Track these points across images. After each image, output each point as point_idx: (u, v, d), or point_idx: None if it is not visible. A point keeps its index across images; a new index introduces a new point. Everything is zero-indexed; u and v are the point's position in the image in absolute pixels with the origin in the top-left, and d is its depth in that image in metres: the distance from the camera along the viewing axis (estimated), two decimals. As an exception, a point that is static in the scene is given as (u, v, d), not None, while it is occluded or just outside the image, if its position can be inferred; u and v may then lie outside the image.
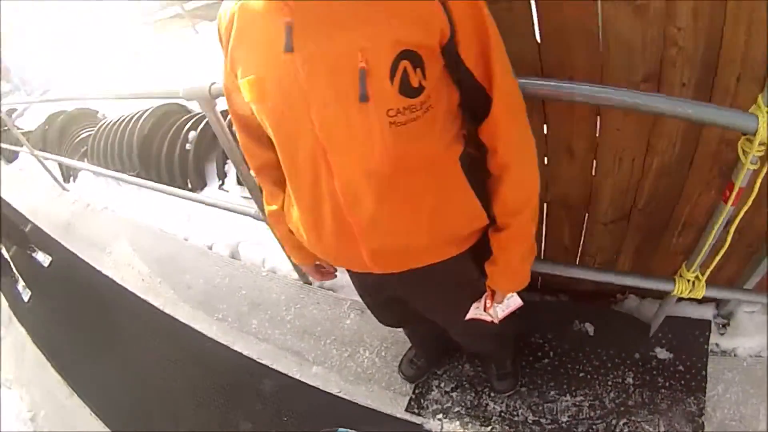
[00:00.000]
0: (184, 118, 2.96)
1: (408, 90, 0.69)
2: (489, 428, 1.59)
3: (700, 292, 1.36)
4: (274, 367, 1.92)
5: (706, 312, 1.68)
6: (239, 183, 2.49)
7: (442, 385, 1.71)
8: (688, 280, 1.35)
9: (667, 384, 1.57)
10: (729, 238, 1.17)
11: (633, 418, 1.53)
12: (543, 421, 1.58)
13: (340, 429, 1.43)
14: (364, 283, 1.15)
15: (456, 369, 1.74)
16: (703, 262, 1.27)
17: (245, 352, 2.00)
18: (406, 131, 0.73)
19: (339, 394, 1.76)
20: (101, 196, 3.31)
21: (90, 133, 3.60)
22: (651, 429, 1.50)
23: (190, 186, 2.75)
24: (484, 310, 1.09)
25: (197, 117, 2.86)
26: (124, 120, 3.22)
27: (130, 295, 2.48)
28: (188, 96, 1.47)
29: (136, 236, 2.85)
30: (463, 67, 0.73)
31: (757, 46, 0.91)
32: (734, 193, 1.03)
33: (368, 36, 0.67)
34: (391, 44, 0.67)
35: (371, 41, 0.67)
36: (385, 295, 1.13)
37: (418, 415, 1.66)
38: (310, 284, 2.14)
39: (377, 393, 1.74)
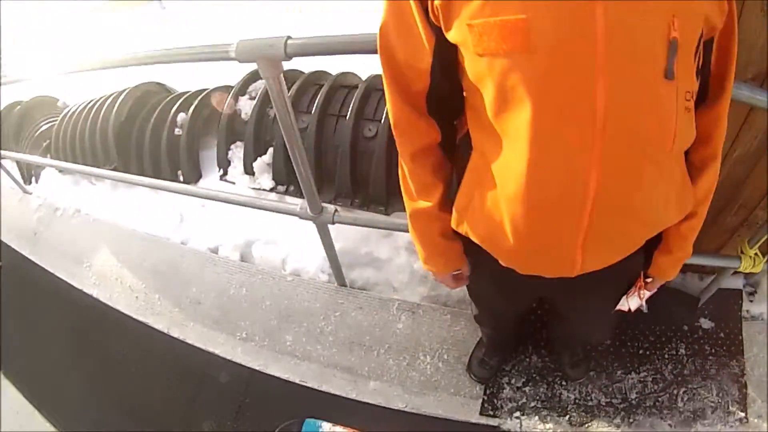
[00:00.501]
0: (169, 98, 2.56)
1: (698, 73, 0.65)
2: (567, 417, 1.66)
3: (759, 267, 1.51)
4: (323, 389, 1.77)
5: (737, 282, 1.86)
6: (247, 172, 2.22)
7: (513, 381, 1.74)
8: (750, 257, 1.49)
9: (713, 351, 1.75)
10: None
11: (690, 386, 1.70)
12: (615, 401, 1.69)
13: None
14: (518, 284, 0.92)
15: (523, 363, 1.77)
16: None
17: (284, 376, 1.82)
18: (689, 119, 0.69)
19: (405, 409, 1.69)
20: (71, 197, 2.79)
21: (52, 123, 3.00)
22: (706, 394, 1.68)
23: (182, 179, 2.40)
24: (638, 298, 1.06)
25: (186, 96, 2.48)
26: (93, 106, 2.71)
27: (123, 318, 2.14)
28: (245, 56, 1.14)
29: (119, 244, 2.44)
30: (709, 57, 0.70)
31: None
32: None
33: (685, 2, 0.58)
34: (702, 18, 0.60)
35: (687, 9, 0.58)
36: (531, 297, 1.10)
37: (494, 416, 1.68)
38: (345, 286, 2.02)
39: (447, 401, 1.72)
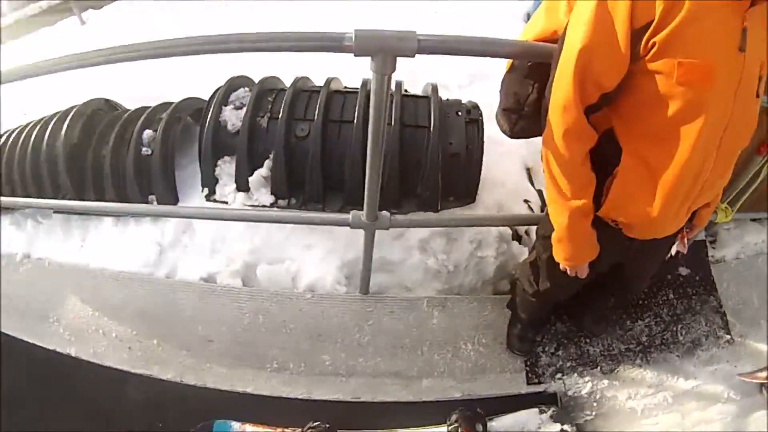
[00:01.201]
0: (126, 115, 2.22)
1: None
2: (598, 368, 1.95)
3: (730, 217, 1.93)
4: (378, 399, 1.81)
5: (701, 234, 2.29)
6: (241, 189, 2.06)
7: (546, 349, 1.97)
8: (723, 210, 1.89)
9: (694, 291, 2.17)
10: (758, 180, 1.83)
11: (684, 322, 2.09)
12: (632, 347, 2.01)
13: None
14: (615, 252, 1.30)
15: (551, 331, 2.00)
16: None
17: (334, 397, 1.81)
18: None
19: (463, 397, 1.82)
20: (15, 242, 2.31)
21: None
22: (697, 326, 2.08)
23: (155, 203, 2.14)
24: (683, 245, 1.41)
25: (149, 112, 2.18)
26: (32, 130, 2.23)
27: (118, 374, 1.89)
28: (365, 49, 1.06)
29: (89, 289, 2.08)
30: None
31: None
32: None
33: (765, 54, 0.96)
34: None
35: (765, 58, 0.97)
36: (614, 258, 1.34)
37: (539, 383, 1.90)
38: (368, 293, 2.05)
39: (496, 380, 1.88)
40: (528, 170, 2.29)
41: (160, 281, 2.09)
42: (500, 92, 1.38)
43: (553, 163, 1.05)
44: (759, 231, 2.52)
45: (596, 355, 1.98)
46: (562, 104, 0.96)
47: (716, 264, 2.28)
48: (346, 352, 1.92)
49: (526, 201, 2.17)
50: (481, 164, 1.98)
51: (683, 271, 2.21)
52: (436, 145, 1.92)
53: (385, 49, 1.06)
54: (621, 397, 1.91)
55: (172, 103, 2.23)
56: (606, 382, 1.93)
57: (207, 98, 2.12)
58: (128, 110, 2.31)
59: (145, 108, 2.25)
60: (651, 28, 0.86)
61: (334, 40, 1.07)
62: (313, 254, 2.07)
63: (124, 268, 2.11)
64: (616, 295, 1.81)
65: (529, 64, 1.22)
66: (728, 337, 2.08)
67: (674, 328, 2.08)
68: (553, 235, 1.18)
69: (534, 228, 1.99)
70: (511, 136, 1.41)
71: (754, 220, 2.48)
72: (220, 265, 2.08)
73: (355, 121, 1.91)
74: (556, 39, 1.08)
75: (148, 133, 2.11)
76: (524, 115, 1.34)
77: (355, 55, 1.06)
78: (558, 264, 1.32)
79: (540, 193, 2.22)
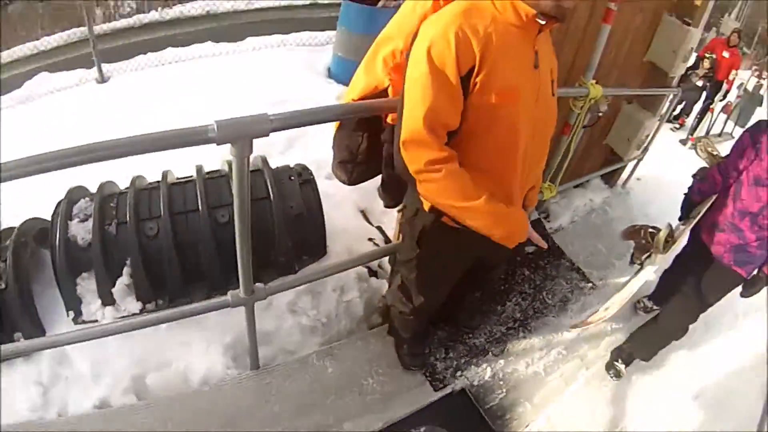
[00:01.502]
0: None
1: None
2: (489, 354, 2.23)
3: (554, 192, 2.41)
4: None
5: (535, 214, 2.77)
6: (106, 303, 2.08)
7: (438, 356, 2.23)
8: (547, 188, 2.36)
9: (547, 261, 2.61)
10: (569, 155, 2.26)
11: (548, 288, 2.49)
12: (511, 324, 2.35)
13: None
14: (474, 244, 1.45)
15: (435, 341, 2.27)
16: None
17: None
18: None
19: (387, 424, 1.99)
20: None
21: None
22: (560, 287, 2.48)
23: (20, 340, 2.08)
24: None
25: None
26: None
27: None
28: (227, 137, 1.20)
29: None
30: None
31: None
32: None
33: (553, 63, 1.39)
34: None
35: (553, 66, 1.40)
36: (473, 258, 1.64)
37: (445, 386, 2.13)
38: (259, 367, 2.16)
39: (407, 398, 2.08)
40: (362, 212, 2.68)
41: (54, 422, 2.04)
42: (333, 148, 1.72)
43: (440, 188, 1.27)
44: (583, 194, 3.09)
45: (483, 344, 2.27)
46: (419, 145, 1.22)
47: (556, 233, 2.75)
48: (262, 425, 2.00)
49: (370, 239, 2.51)
50: (323, 218, 2.28)
51: (530, 248, 2.63)
52: (280, 212, 2.18)
53: (244, 134, 1.23)
54: (521, 368, 2.23)
55: (13, 228, 2.25)
56: (502, 361, 2.24)
57: (46, 216, 2.18)
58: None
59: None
60: (474, 72, 1.18)
61: (198, 134, 1.21)
62: (194, 349, 2.16)
63: (11, 419, 2.04)
64: (481, 287, 2.14)
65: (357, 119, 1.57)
66: (590, 284, 2.50)
67: (541, 296, 2.46)
68: (496, 234, 1.36)
69: (386, 259, 2.30)
70: (350, 184, 1.76)
71: (576, 186, 3.03)
72: (109, 387, 2.07)
73: (200, 208, 2.11)
74: (378, 93, 1.48)
75: (-4, 267, 2.11)
76: (359, 163, 1.69)
77: (217, 144, 1.21)
78: (426, 278, 1.60)
79: (379, 228, 2.56)
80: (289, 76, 4.18)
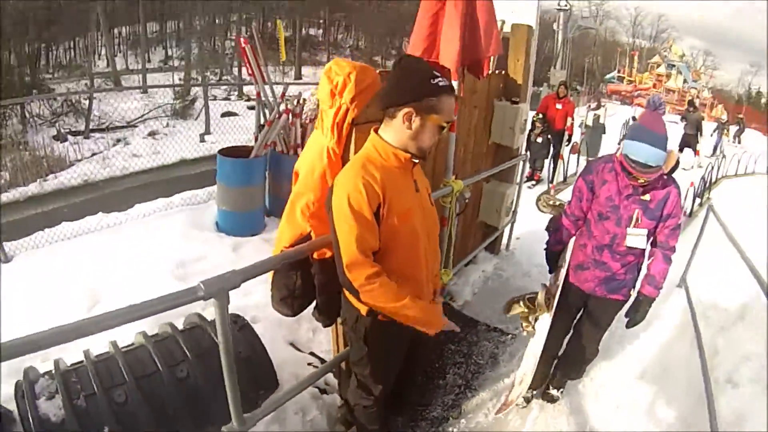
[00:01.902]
0: None
1: None
2: (449, 420, 2.75)
3: (449, 276, 3.06)
4: None
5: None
6: None
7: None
8: (445, 273, 3.01)
9: (465, 333, 3.26)
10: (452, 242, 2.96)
11: (477, 351, 3.15)
12: (457, 391, 2.93)
13: None
14: (407, 329, 1.92)
15: (399, 428, 2.70)
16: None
17: None
18: None
19: None
20: None
21: None
22: (487, 347, 3.12)
23: None
24: None
25: None
26: None
27: None
28: (211, 293, 1.62)
29: None
30: None
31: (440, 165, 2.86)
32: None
33: (426, 183, 1.95)
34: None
35: (426, 184, 1.96)
36: (408, 338, 2.15)
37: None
38: None
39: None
40: (291, 344, 3.19)
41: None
42: (271, 290, 2.27)
43: (378, 295, 1.75)
44: (475, 268, 3.89)
45: (440, 413, 2.81)
46: (358, 266, 1.72)
47: (464, 307, 3.42)
48: None
49: (309, 363, 3.00)
50: (267, 354, 2.68)
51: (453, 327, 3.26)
52: (231, 358, 2.55)
53: (224, 287, 1.67)
54: (481, 419, 2.76)
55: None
56: (463, 421, 2.76)
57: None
58: None
59: None
60: (380, 207, 1.69)
61: (189, 294, 1.61)
62: None
63: None
64: (420, 364, 2.66)
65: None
66: (510, 335, 3.15)
67: (473, 360, 3.11)
68: (420, 324, 1.87)
69: (329, 375, 2.74)
70: (293, 315, 2.30)
71: (467, 264, 3.79)
72: None
73: (160, 368, 2.38)
74: (303, 239, 2.12)
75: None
76: (297, 297, 2.27)
77: (204, 300, 1.63)
78: (379, 368, 2.13)
79: (312, 353, 3.10)
80: (182, 236, 4.62)
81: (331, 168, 2.09)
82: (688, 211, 5.45)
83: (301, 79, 31.05)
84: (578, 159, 9.19)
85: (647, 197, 2.36)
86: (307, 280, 2.24)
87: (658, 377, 3.00)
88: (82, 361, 2.52)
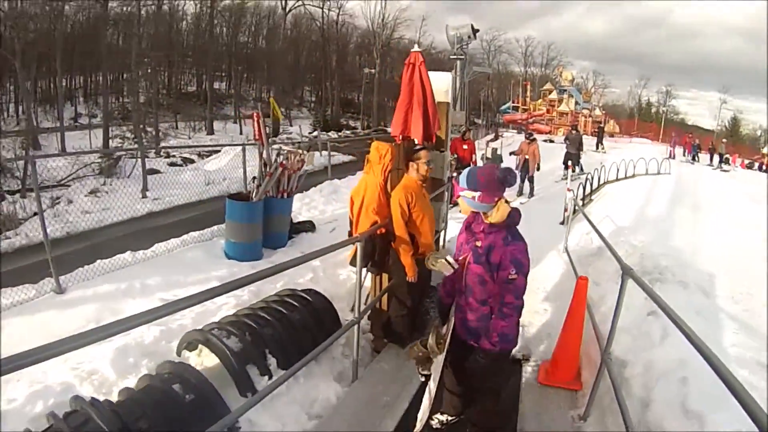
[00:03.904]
0: None
1: None
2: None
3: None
4: None
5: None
6: None
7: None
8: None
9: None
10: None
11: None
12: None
13: None
14: (421, 273, 4.52)
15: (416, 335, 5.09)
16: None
17: None
18: None
19: None
20: None
21: None
22: None
23: None
24: None
25: None
26: None
27: None
28: None
29: None
30: None
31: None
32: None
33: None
34: None
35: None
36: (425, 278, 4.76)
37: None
38: None
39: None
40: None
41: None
42: (350, 257, 4.85)
43: (408, 258, 4.28)
44: None
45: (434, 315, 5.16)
46: (402, 241, 4.24)
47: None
48: None
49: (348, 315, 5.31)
50: (335, 308, 4.91)
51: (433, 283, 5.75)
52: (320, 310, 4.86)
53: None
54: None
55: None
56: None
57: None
58: None
59: None
60: (410, 205, 4.18)
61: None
62: None
63: None
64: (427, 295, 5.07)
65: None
66: None
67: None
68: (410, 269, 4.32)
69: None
70: (366, 267, 4.60)
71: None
72: None
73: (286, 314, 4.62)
74: (372, 226, 4.46)
75: None
76: (372, 257, 4.66)
77: None
78: (411, 290, 4.53)
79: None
80: (201, 264, 6.80)
81: (381, 191, 4.55)
82: (572, 210, 8.34)
83: (213, 133, 33.69)
84: None
85: (478, 243, 2.85)
86: (375, 248, 4.57)
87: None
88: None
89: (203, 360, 3.80)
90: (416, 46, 5.17)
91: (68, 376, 3.94)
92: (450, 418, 3.48)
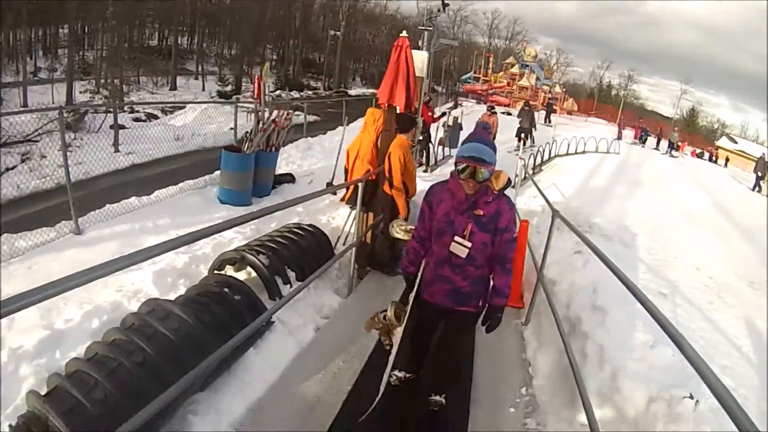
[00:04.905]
0: None
1: None
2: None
3: None
4: None
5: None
6: None
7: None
8: None
9: None
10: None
11: None
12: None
13: None
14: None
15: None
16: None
17: None
18: None
19: None
20: None
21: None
22: None
23: None
24: None
25: None
26: None
27: None
28: None
29: None
30: None
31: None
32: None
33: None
34: None
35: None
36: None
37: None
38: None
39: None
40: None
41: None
42: (360, 198, 5.97)
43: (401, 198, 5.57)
44: None
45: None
46: (399, 189, 5.52)
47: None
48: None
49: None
50: (329, 239, 6.14)
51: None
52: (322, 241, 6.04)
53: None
54: None
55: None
56: None
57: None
58: None
59: None
60: (405, 158, 5.45)
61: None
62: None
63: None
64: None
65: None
66: None
67: None
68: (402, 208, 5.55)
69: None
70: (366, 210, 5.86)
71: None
72: None
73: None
74: (366, 174, 5.69)
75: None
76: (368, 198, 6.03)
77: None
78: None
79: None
80: (201, 208, 7.84)
81: (374, 146, 5.76)
82: (522, 176, 9.79)
83: (176, 89, 33.77)
84: (443, 149, 14.07)
85: (480, 212, 2.80)
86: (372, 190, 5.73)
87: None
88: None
89: (235, 275, 4.63)
90: (404, 32, 6.29)
91: (115, 296, 4.62)
92: (408, 375, 3.60)
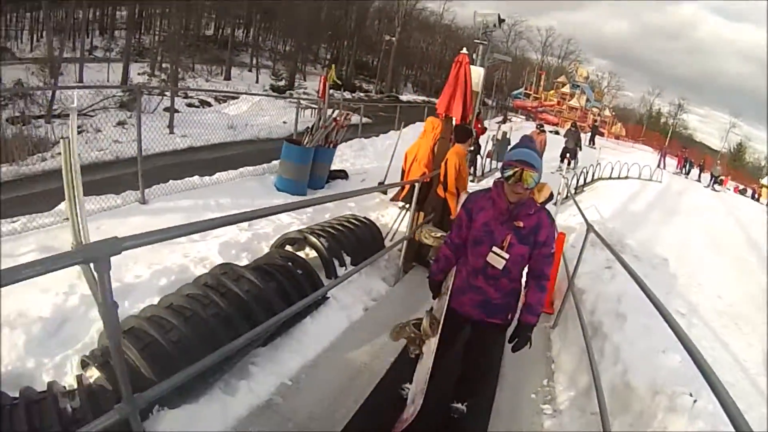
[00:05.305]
0: None
1: None
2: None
3: None
4: None
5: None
6: None
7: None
8: None
9: None
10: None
11: None
12: None
13: None
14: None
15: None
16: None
17: None
18: None
19: None
20: None
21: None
22: None
23: None
24: None
25: None
26: None
27: None
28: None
29: None
30: None
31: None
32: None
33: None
34: None
35: None
36: None
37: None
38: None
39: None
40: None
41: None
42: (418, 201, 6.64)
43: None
44: None
45: None
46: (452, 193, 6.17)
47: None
48: None
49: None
50: (381, 232, 6.76)
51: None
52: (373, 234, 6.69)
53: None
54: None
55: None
56: None
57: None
58: None
59: None
60: (461, 166, 6.00)
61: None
62: None
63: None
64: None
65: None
66: None
67: None
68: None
69: None
70: (417, 210, 6.52)
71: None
72: None
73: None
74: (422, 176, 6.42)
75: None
76: (422, 202, 6.71)
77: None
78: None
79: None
80: (259, 192, 8.46)
81: (430, 152, 6.49)
82: (564, 195, 10.25)
83: (230, 79, 34.75)
84: (490, 162, 14.49)
85: (520, 224, 2.75)
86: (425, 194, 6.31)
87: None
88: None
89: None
90: (464, 49, 6.89)
91: (182, 260, 5.09)
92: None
